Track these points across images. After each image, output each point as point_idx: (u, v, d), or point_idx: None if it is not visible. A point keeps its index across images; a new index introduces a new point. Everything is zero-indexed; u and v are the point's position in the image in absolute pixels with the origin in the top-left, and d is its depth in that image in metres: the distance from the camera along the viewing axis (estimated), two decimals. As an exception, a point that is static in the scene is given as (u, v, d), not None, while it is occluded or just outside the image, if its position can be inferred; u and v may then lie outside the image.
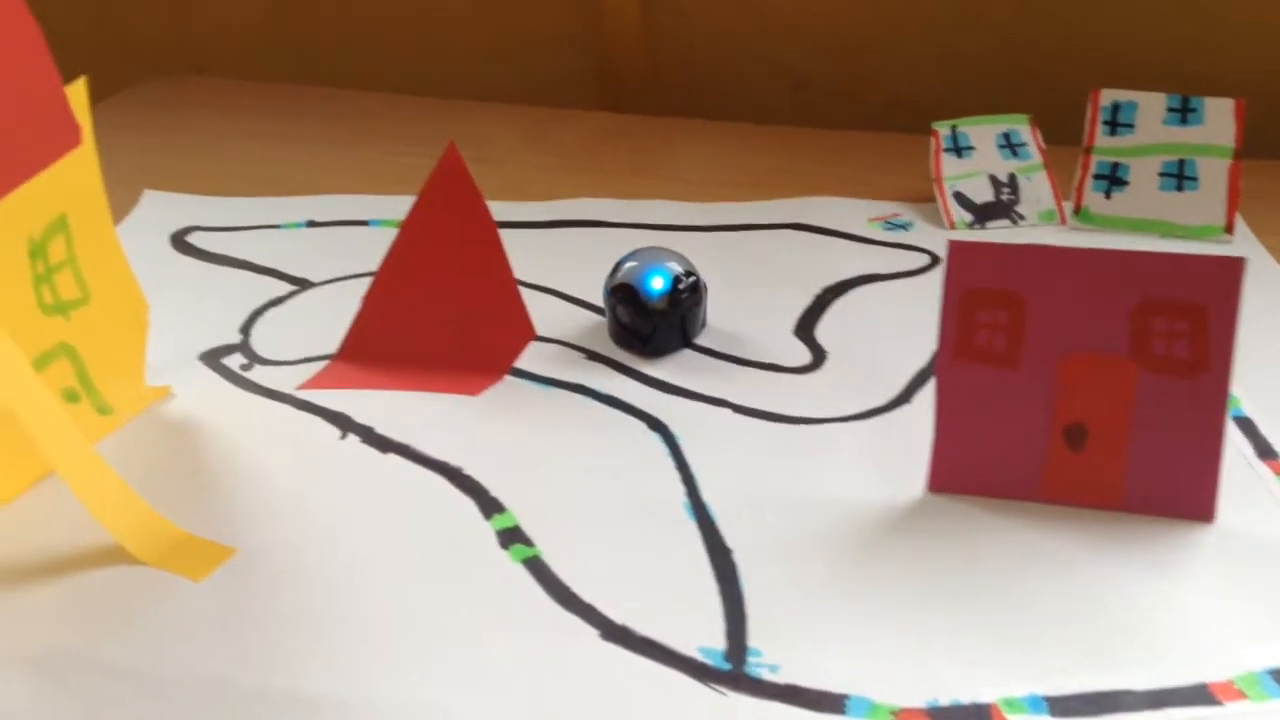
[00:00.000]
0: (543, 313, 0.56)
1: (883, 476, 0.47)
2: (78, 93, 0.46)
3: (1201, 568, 0.42)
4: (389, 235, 0.55)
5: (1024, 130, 0.69)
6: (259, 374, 0.55)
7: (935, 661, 0.38)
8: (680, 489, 0.46)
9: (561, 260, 0.63)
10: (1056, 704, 0.37)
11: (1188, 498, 0.44)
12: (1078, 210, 0.67)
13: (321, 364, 0.55)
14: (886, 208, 0.69)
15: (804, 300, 0.60)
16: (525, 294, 0.56)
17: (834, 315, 0.59)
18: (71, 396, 0.48)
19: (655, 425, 0.50)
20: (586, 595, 0.41)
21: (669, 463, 0.48)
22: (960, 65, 0.84)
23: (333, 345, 0.56)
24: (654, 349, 0.55)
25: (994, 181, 0.68)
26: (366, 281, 0.55)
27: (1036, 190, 0.68)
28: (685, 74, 0.91)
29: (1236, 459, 0.47)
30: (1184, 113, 0.65)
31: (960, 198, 0.68)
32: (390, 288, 0.55)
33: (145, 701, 0.37)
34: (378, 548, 0.43)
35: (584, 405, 0.52)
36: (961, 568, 0.42)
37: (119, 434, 0.50)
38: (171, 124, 0.85)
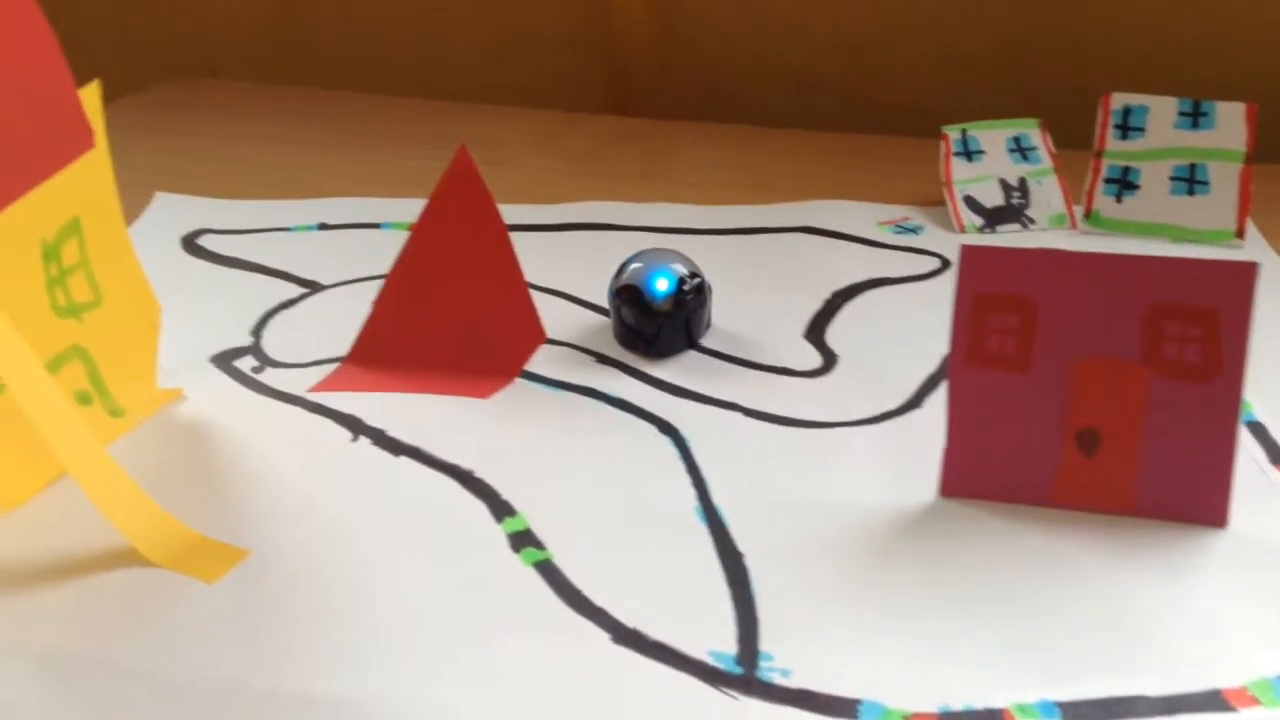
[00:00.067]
0: (549, 315, 0.56)
1: (894, 481, 0.47)
2: (91, 96, 0.46)
3: (1214, 573, 0.42)
4: (400, 238, 0.55)
5: (1034, 134, 0.69)
6: (270, 376, 0.55)
7: (947, 666, 0.38)
8: (691, 492, 0.46)
9: (570, 263, 0.63)
10: (1069, 709, 0.36)
11: (1200, 503, 0.44)
12: (1088, 214, 0.67)
13: (333, 366, 0.55)
14: (896, 211, 0.69)
15: (814, 304, 0.60)
16: (534, 296, 0.56)
17: (844, 319, 0.59)
18: (84, 399, 0.48)
19: (666, 429, 0.50)
20: (598, 599, 0.41)
21: (680, 466, 0.48)
22: (970, 69, 0.84)
23: (344, 348, 0.56)
24: (659, 350, 0.55)
25: (1004, 185, 0.68)
26: (378, 284, 0.56)
27: (1047, 194, 0.68)
28: (693, 77, 0.91)
29: (1249, 464, 0.47)
30: (1195, 117, 0.65)
31: (970, 202, 0.68)
32: (401, 290, 0.55)
33: (158, 703, 0.37)
34: (390, 550, 0.43)
35: (594, 408, 0.52)
36: (973, 572, 0.42)
37: (131, 436, 0.50)
38: (183, 127, 0.85)
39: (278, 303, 0.61)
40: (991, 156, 0.69)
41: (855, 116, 0.86)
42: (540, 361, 0.55)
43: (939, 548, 0.43)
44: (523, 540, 0.44)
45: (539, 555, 0.43)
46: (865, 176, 0.74)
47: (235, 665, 0.38)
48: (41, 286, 0.46)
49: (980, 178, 0.68)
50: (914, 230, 0.67)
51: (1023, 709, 0.37)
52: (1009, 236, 0.66)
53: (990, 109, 0.71)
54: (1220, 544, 0.43)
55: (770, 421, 0.51)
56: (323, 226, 0.70)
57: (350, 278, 0.63)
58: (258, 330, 0.59)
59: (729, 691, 0.37)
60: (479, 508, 0.46)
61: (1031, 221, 0.67)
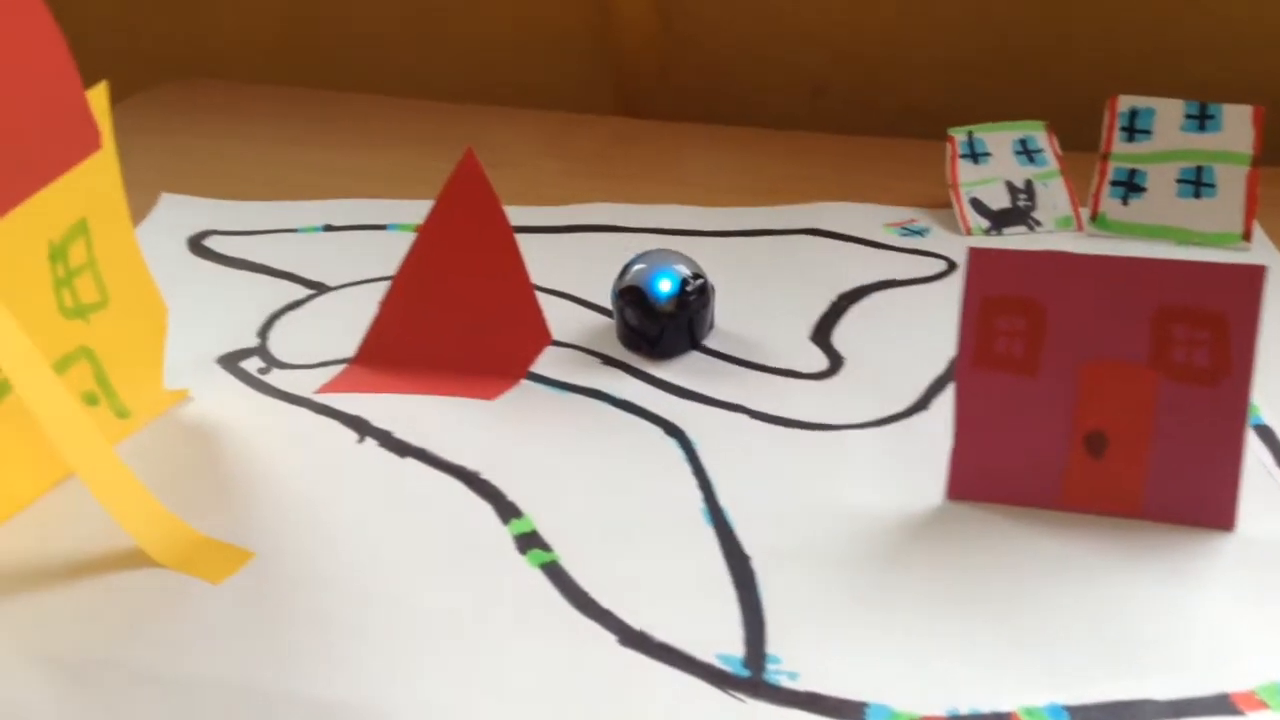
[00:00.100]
0: (553, 316, 0.56)
1: (901, 483, 0.46)
2: (98, 97, 0.46)
3: (1222, 576, 0.42)
4: (406, 239, 0.55)
5: (1040, 137, 0.69)
6: (276, 377, 0.55)
7: (955, 669, 0.38)
8: (697, 495, 0.46)
9: (574, 265, 0.63)
10: (1077, 713, 0.36)
11: (1208, 506, 0.44)
12: (1095, 217, 0.67)
13: (339, 368, 0.55)
14: (903, 213, 0.69)
15: (820, 305, 0.60)
16: (539, 298, 0.56)
17: (850, 321, 0.59)
18: (91, 400, 0.48)
19: (672, 430, 0.50)
20: (605, 600, 0.41)
21: (686, 468, 0.48)
22: (976, 72, 0.84)
23: (350, 349, 0.56)
24: (662, 351, 0.55)
25: (1010, 188, 0.68)
26: (384, 286, 0.56)
27: (1053, 197, 0.68)
28: (698, 80, 0.91)
29: (1256, 467, 0.47)
30: (1202, 119, 0.65)
31: (977, 204, 0.68)
32: (408, 292, 0.55)
33: (165, 704, 0.37)
34: (396, 551, 0.43)
35: (600, 410, 0.52)
36: (981, 575, 0.42)
37: (137, 437, 0.50)
38: (187, 127, 0.85)
39: (284, 304, 0.61)
40: (998, 159, 0.69)
41: (862, 120, 0.86)
42: (545, 363, 0.55)
43: (946, 550, 0.43)
44: (529, 542, 0.44)
45: (546, 557, 0.43)
46: (871, 178, 0.74)
47: (241, 667, 0.38)
48: (49, 287, 0.46)
49: (986, 180, 0.68)
50: (920, 232, 0.67)
51: (1030, 712, 0.36)
52: (1015, 239, 0.66)
53: (996, 112, 0.71)
54: (1228, 547, 0.43)
55: (776, 424, 0.51)
56: (328, 228, 0.70)
57: (356, 279, 0.63)
58: (264, 331, 0.59)
59: (736, 694, 0.37)
60: (485, 509, 0.46)
61: (1038, 224, 0.67)
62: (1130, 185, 0.66)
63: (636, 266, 0.56)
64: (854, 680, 0.38)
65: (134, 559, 0.43)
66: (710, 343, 0.57)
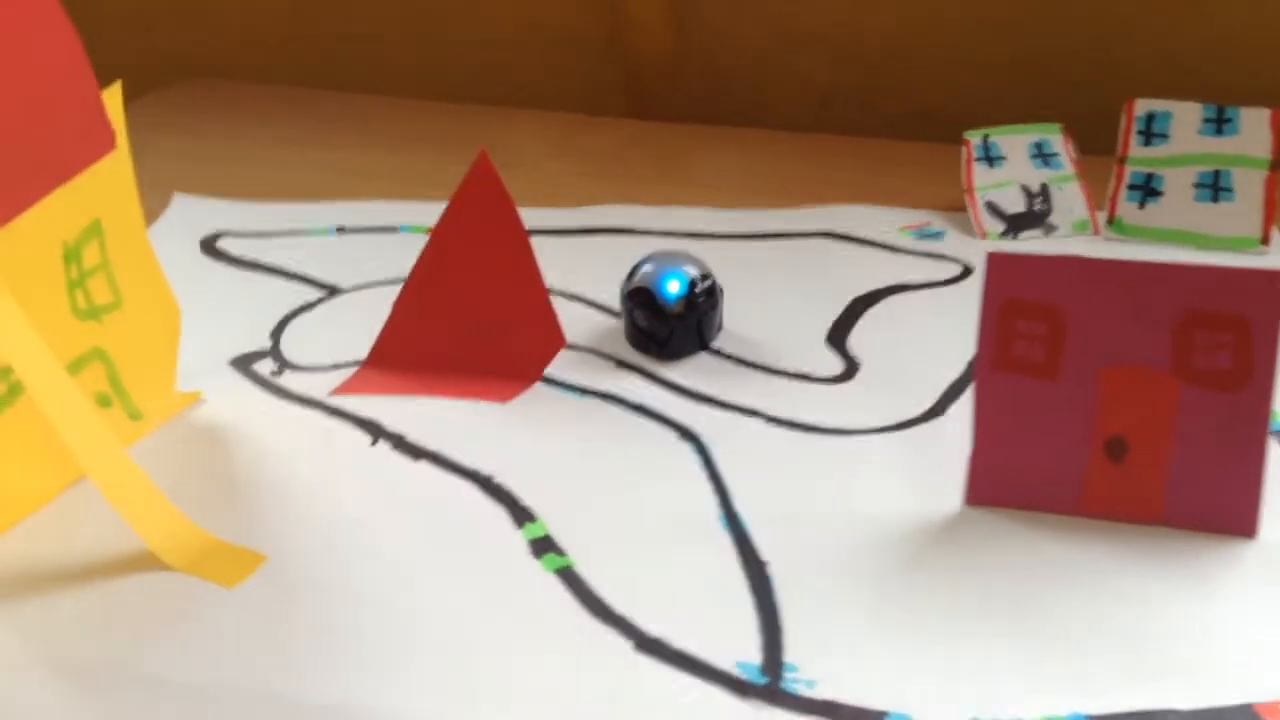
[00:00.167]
0: (563, 318, 0.56)
1: (919, 489, 0.46)
2: (113, 97, 0.46)
3: (1245, 584, 0.41)
4: (418, 241, 0.55)
5: (1056, 140, 0.69)
6: (289, 380, 0.54)
7: (975, 677, 0.38)
8: (713, 500, 0.46)
9: (586, 267, 0.63)
10: (1099, 722, 0.36)
11: (1229, 513, 0.43)
12: (1111, 221, 0.66)
13: (352, 370, 0.55)
14: (917, 216, 0.69)
15: (835, 309, 0.60)
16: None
17: (865, 325, 0.58)
18: (103, 401, 0.48)
19: (686, 434, 0.50)
20: (620, 606, 0.41)
21: (701, 473, 0.48)
22: (990, 75, 0.83)
23: (363, 351, 0.56)
24: (671, 352, 0.55)
25: (1026, 191, 0.68)
26: (396, 288, 0.55)
27: (1069, 200, 0.67)
28: (710, 83, 0.90)
29: (1279, 474, 0.46)
30: (1219, 123, 0.64)
31: (992, 208, 0.67)
32: (421, 294, 0.55)
33: (178, 710, 0.37)
34: (410, 555, 0.43)
35: (614, 413, 0.52)
36: (1000, 582, 0.41)
37: (150, 439, 0.50)
38: (198, 128, 0.85)
39: (296, 306, 0.61)
40: (1013, 162, 0.68)
41: (872, 124, 0.85)
42: (558, 366, 0.55)
43: (965, 557, 0.43)
44: (543, 546, 0.44)
45: (560, 562, 0.43)
46: (885, 181, 0.73)
47: (255, 672, 0.38)
48: (62, 289, 0.46)
49: (1002, 183, 0.68)
50: (935, 236, 0.67)
51: (1052, 721, 0.36)
52: (1031, 243, 0.66)
53: (1011, 116, 0.70)
54: (1249, 554, 0.43)
55: (792, 428, 0.50)
56: (340, 230, 0.69)
57: (368, 281, 0.63)
58: (276, 333, 0.59)
59: (754, 702, 0.37)
60: (499, 513, 0.45)
61: (1054, 228, 0.66)
62: (1147, 189, 0.66)
63: (645, 267, 0.56)
64: (873, 688, 0.37)
65: (146, 562, 0.43)
66: (720, 344, 0.57)
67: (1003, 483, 0.45)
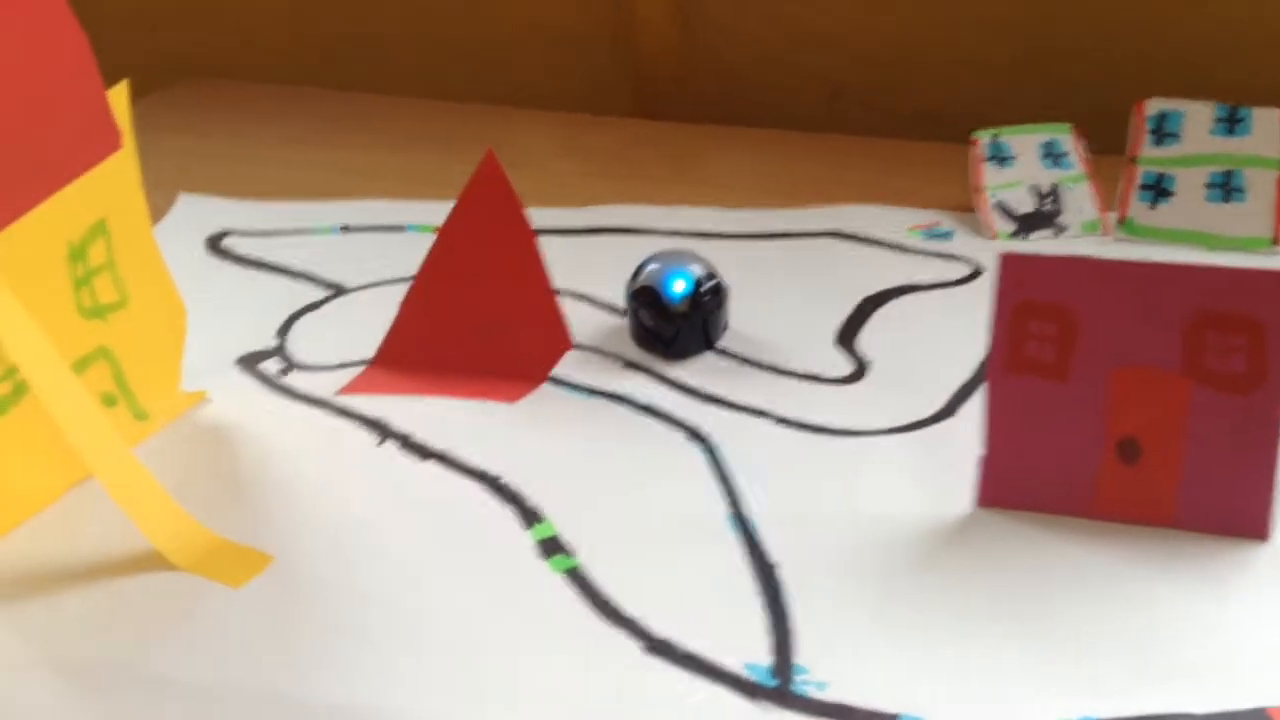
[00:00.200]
0: (569, 318, 0.56)
1: (929, 491, 0.46)
2: (119, 96, 0.46)
3: (1258, 587, 0.41)
4: (424, 241, 0.55)
5: (1066, 140, 0.68)
6: (296, 379, 0.54)
7: (986, 680, 0.37)
8: (722, 501, 0.46)
9: (592, 266, 0.63)
10: (1112, 726, 0.36)
11: (1241, 515, 0.43)
12: (1122, 221, 0.66)
13: (359, 370, 0.55)
14: (926, 216, 0.69)
15: (844, 309, 0.59)
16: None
17: (875, 325, 0.58)
18: (109, 401, 0.48)
19: (695, 435, 0.50)
20: (628, 608, 0.40)
21: (710, 474, 0.47)
22: (996, 74, 0.83)
23: (369, 351, 0.55)
24: (676, 352, 0.55)
25: (1036, 192, 0.67)
26: (402, 287, 0.55)
27: (1079, 201, 0.67)
28: (717, 82, 0.90)
29: (1291, 476, 0.46)
30: (1231, 123, 0.64)
31: (1002, 208, 0.67)
32: (428, 294, 0.54)
33: (183, 710, 0.37)
34: (417, 556, 0.43)
35: (622, 414, 0.51)
36: (1012, 584, 0.41)
37: (155, 439, 0.50)
38: (202, 127, 0.85)
39: (302, 305, 0.61)
40: (1023, 162, 0.68)
41: (881, 123, 0.85)
42: (565, 365, 0.55)
43: (977, 559, 0.42)
44: (551, 547, 0.43)
45: (568, 563, 0.42)
46: (893, 181, 0.73)
47: (261, 672, 0.38)
48: (68, 287, 0.46)
49: (1012, 183, 0.67)
50: (945, 236, 0.66)
51: (1065, 726, 0.36)
52: (1041, 243, 0.65)
53: (1020, 115, 0.70)
54: (1262, 557, 0.42)
55: (802, 429, 0.50)
56: (345, 229, 0.69)
57: (374, 280, 0.63)
58: (282, 333, 0.58)
59: (764, 704, 0.36)
60: (507, 514, 0.45)
61: (1064, 228, 0.66)
62: (1158, 189, 0.65)
63: (650, 267, 0.56)
64: (884, 691, 0.37)
65: (152, 562, 0.42)
66: (726, 344, 0.56)
67: (1014, 484, 0.44)
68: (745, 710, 0.36)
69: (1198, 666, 0.38)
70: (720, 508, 0.45)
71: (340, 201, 0.72)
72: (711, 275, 0.56)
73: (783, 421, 0.50)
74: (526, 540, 0.44)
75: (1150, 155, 0.65)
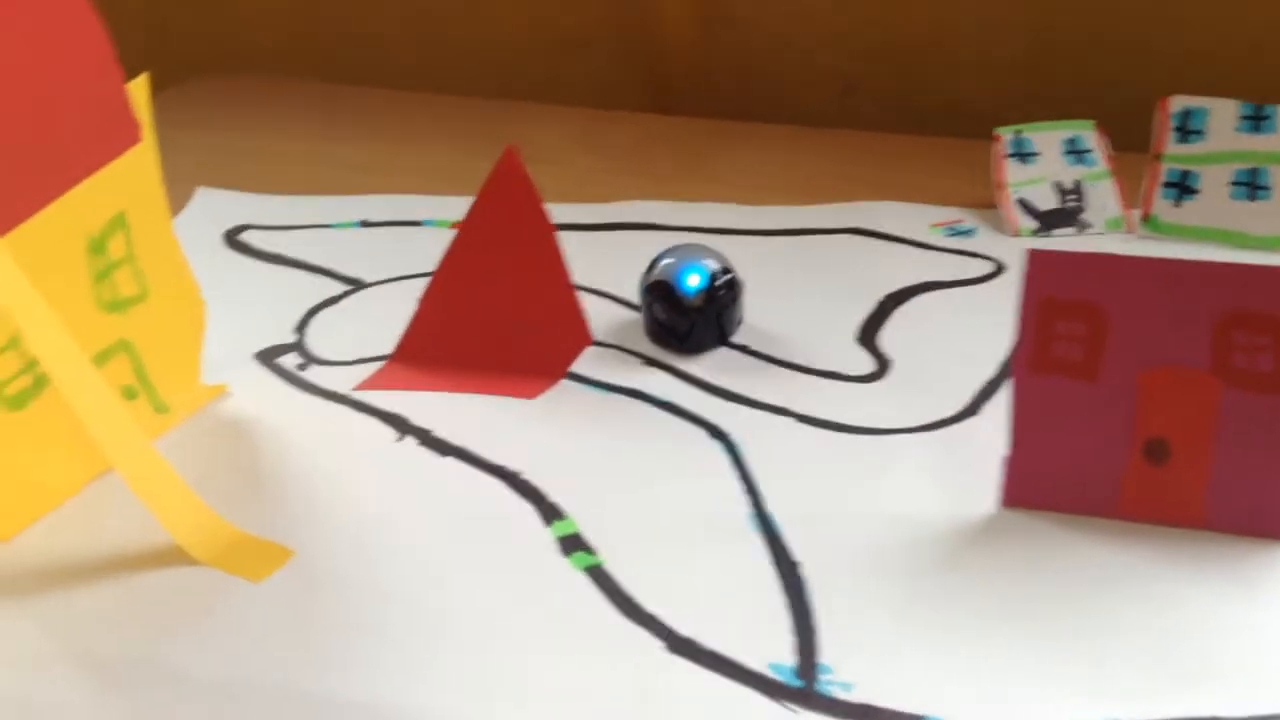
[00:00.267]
0: (587, 314, 0.56)
1: (953, 490, 0.45)
2: (139, 90, 0.46)
3: (1288, 590, 0.41)
4: (442, 236, 0.55)
5: (1090, 136, 0.68)
6: (315, 374, 0.54)
7: (1014, 682, 0.37)
8: (744, 499, 0.45)
9: (610, 262, 0.62)
10: (1141, 730, 0.35)
11: (1271, 516, 0.42)
12: (1146, 218, 0.65)
13: (377, 365, 0.54)
14: (948, 213, 0.68)
15: (864, 306, 0.59)
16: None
17: (896, 323, 0.58)
18: (129, 394, 0.48)
19: (716, 433, 0.49)
20: (650, 606, 0.40)
21: (731, 472, 0.47)
22: (1018, 70, 0.82)
23: (388, 346, 0.55)
24: (691, 346, 0.55)
25: (1059, 188, 0.67)
26: (420, 282, 0.55)
27: (1103, 198, 0.66)
28: (735, 78, 0.90)
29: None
30: (1257, 120, 0.63)
31: (1024, 205, 0.66)
32: (447, 289, 0.54)
33: (205, 706, 0.37)
34: (438, 552, 0.43)
35: (642, 411, 0.51)
36: (1038, 586, 0.41)
37: (175, 432, 0.50)
38: (219, 122, 0.85)
39: (321, 300, 0.61)
40: (1046, 159, 0.67)
41: (899, 119, 0.84)
42: (584, 361, 0.54)
43: (1002, 559, 0.42)
44: (573, 544, 0.43)
45: (590, 560, 0.42)
46: (912, 178, 0.72)
47: (280, 668, 0.38)
48: (88, 281, 0.46)
49: (1034, 180, 0.67)
50: (967, 233, 0.66)
51: (1093, 729, 0.35)
52: (1064, 240, 0.65)
53: (1041, 111, 0.69)
54: (1292, 560, 0.42)
55: (824, 427, 0.50)
56: (364, 223, 0.69)
57: (393, 275, 0.63)
58: (301, 327, 0.58)
59: (789, 705, 0.36)
60: (528, 510, 0.45)
61: (1087, 225, 0.66)
62: (1183, 187, 0.65)
63: (665, 261, 0.55)
64: (910, 693, 0.36)
65: (173, 556, 0.42)
66: (740, 339, 0.56)
67: (1039, 485, 0.44)
68: (769, 710, 0.36)
69: (1226, 669, 0.37)
70: (742, 506, 0.45)
71: (358, 196, 0.72)
72: (726, 269, 0.55)
73: (804, 419, 0.50)
74: (547, 537, 0.43)
75: (1175, 152, 0.64)
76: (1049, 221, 0.66)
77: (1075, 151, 0.67)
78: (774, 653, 0.38)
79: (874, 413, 0.50)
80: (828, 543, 0.43)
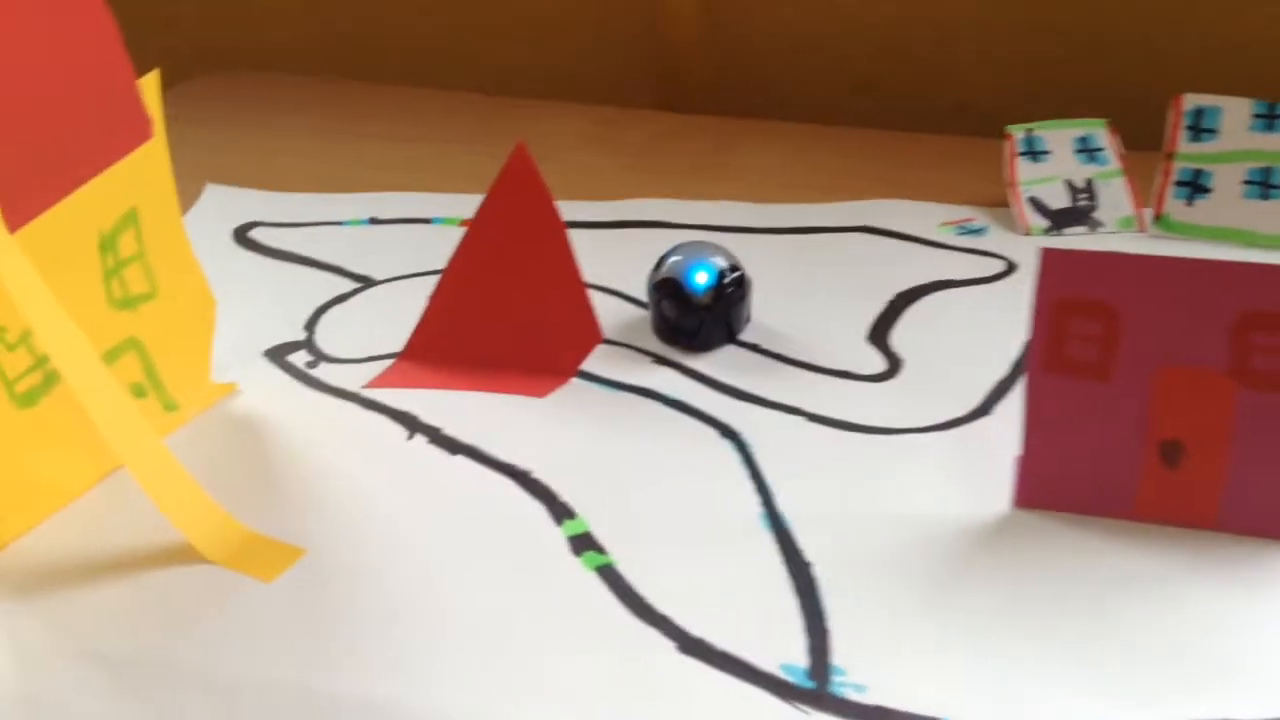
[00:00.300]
0: (597, 312, 0.55)
1: (966, 490, 0.45)
2: (149, 86, 0.46)
3: (1303, 593, 0.40)
4: (451, 233, 0.54)
5: (1102, 135, 0.67)
6: (324, 372, 0.54)
7: (1027, 685, 0.37)
8: (755, 498, 0.45)
9: (620, 260, 0.62)
10: (1156, 733, 0.35)
11: (1287, 519, 0.42)
12: (1158, 217, 0.65)
13: (387, 362, 0.54)
14: (959, 212, 0.68)
15: (875, 305, 0.59)
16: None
17: (907, 321, 0.57)
18: (139, 392, 0.48)
19: (727, 432, 0.49)
20: (662, 606, 0.40)
21: (743, 471, 0.47)
22: (1027, 69, 0.82)
23: (397, 344, 0.55)
24: (699, 344, 0.54)
25: (1071, 187, 0.66)
26: (430, 280, 0.55)
27: (1115, 196, 0.66)
28: (746, 75, 0.89)
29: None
30: (1270, 119, 0.63)
31: (1036, 203, 0.66)
32: (457, 287, 0.54)
33: (214, 704, 0.37)
34: (448, 551, 0.43)
35: (653, 409, 0.51)
36: (1052, 587, 0.41)
37: (185, 430, 0.50)
38: (228, 119, 0.85)
39: (330, 297, 0.60)
40: (1058, 157, 0.67)
41: (911, 117, 0.84)
42: (594, 360, 0.54)
43: (1015, 560, 0.42)
44: (584, 544, 0.43)
45: (601, 560, 0.42)
46: (924, 176, 0.72)
47: (293, 667, 0.38)
48: (98, 278, 0.46)
49: (1046, 179, 0.67)
50: (978, 231, 0.66)
51: (1108, 731, 0.35)
52: (1076, 239, 0.65)
53: (1052, 110, 0.69)
54: (1308, 562, 0.42)
55: (835, 426, 0.49)
56: (374, 221, 0.69)
57: (402, 273, 0.62)
58: (311, 325, 0.58)
59: (801, 706, 0.36)
60: (538, 509, 0.45)
61: (1099, 224, 0.65)
62: (1195, 186, 0.64)
63: (672, 259, 0.55)
64: (924, 695, 0.36)
65: (183, 555, 0.42)
66: (750, 337, 0.56)
67: (1053, 486, 0.44)
68: (782, 712, 0.36)
69: (1241, 671, 0.37)
70: (753, 505, 0.45)
71: (368, 194, 0.72)
72: (734, 267, 0.55)
73: (815, 418, 0.50)
74: (558, 536, 0.43)
75: (1187, 151, 0.64)
76: (1060, 220, 0.65)
77: (1087, 150, 0.67)
78: (786, 654, 0.38)
79: (885, 412, 0.50)
80: (840, 543, 0.43)
